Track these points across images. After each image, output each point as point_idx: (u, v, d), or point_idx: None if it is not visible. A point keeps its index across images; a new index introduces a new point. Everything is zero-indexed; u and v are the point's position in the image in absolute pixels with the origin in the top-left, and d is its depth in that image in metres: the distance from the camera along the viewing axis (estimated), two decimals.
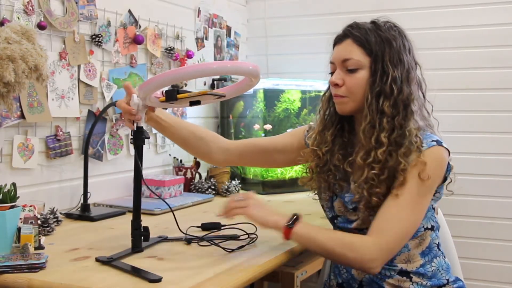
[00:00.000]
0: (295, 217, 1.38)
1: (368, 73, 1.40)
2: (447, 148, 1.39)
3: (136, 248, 1.42)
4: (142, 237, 1.43)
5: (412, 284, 1.42)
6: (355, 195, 1.40)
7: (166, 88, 1.38)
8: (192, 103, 1.39)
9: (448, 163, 1.39)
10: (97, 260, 1.33)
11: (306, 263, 1.69)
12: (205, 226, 1.65)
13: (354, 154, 1.45)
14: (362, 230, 1.42)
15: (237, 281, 1.23)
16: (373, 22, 1.45)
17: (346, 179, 1.48)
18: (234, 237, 1.53)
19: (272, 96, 2.47)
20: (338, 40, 1.46)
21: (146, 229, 1.44)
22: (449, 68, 2.54)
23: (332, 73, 1.47)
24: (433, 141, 1.37)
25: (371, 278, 1.45)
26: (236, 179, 2.48)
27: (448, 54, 2.56)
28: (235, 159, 1.71)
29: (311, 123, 1.65)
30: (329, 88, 1.51)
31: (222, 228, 1.63)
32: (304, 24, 2.91)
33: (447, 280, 1.46)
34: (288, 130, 2.18)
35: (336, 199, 1.49)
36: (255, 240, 1.52)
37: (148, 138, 1.44)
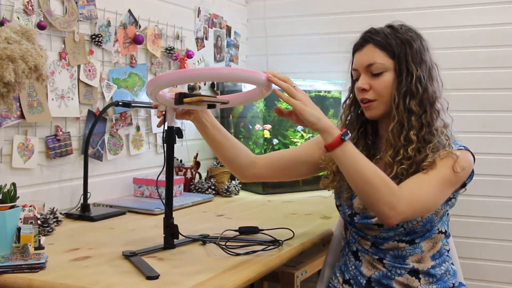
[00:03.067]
0: (347, 132, 1.33)
1: (393, 75, 1.44)
2: (473, 155, 1.44)
3: (168, 245, 1.45)
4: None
5: (420, 285, 1.45)
6: None
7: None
8: (209, 106, 1.42)
9: (472, 169, 1.45)
10: (123, 254, 1.38)
11: (306, 263, 1.69)
12: (242, 230, 1.61)
13: (382, 153, 1.49)
14: (382, 226, 1.45)
15: (237, 281, 1.23)
16: (390, 26, 1.48)
17: None
18: (263, 242, 1.51)
19: (272, 96, 2.46)
20: (359, 47, 1.48)
21: (176, 227, 1.46)
22: (449, 68, 2.54)
23: (355, 81, 1.50)
24: (461, 146, 1.43)
25: (380, 275, 1.47)
26: (236, 179, 2.48)
27: (448, 54, 2.56)
28: (263, 173, 1.65)
29: None
30: (350, 95, 1.55)
31: (260, 232, 1.61)
32: (304, 24, 2.91)
33: (453, 284, 1.50)
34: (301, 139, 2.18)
35: (355, 196, 1.51)
36: (279, 246, 1.50)
37: (181, 137, 1.47)
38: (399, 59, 1.43)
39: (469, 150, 1.43)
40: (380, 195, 1.31)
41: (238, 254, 1.40)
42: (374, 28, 1.48)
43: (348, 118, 1.55)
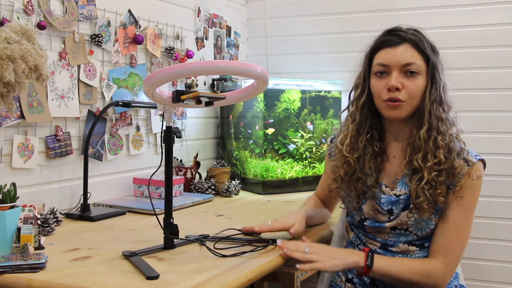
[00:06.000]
0: (371, 254, 1.42)
1: (426, 79, 1.44)
2: (485, 164, 1.47)
3: (168, 245, 1.46)
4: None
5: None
6: (418, 197, 1.42)
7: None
8: (207, 103, 1.42)
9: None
10: (123, 254, 1.38)
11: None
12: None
13: (395, 159, 1.51)
14: (395, 229, 1.48)
15: (237, 281, 1.23)
16: (414, 29, 1.48)
17: (377, 186, 1.51)
18: (255, 242, 1.52)
19: (272, 96, 2.47)
20: (393, 43, 1.45)
21: (176, 227, 1.47)
22: (449, 68, 2.54)
23: (369, 78, 1.49)
24: (476, 155, 1.45)
25: None
26: (236, 179, 2.48)
27: (448, 54, 2.55)
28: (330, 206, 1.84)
29: (331, 136, 1.71)
30: (362, 93, 1.52)
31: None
32: (304, 24, 2.91)
33: (455, 286, 1.53)
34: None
35: (365, 202, 1.52)
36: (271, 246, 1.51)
37: (180, 137, 1.47)
38: (432, 65, 1.44)
39: (482, 160, 1.46)
40: (424, 285, 1.41)
41: (224, 256, 1.39)
42: (402, 28, 1.47)
43: (362, 118, 1.52)
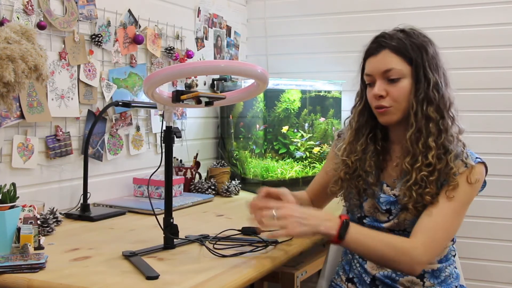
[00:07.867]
0: (345, 222, 1.34)
1: (411, 81, 1.42)
2: (486, 167, 1.44)
3: (168, 245, 1.46)
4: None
5: (424, 287, 1.46)
6: (404, 197, 1.41)
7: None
8: (207, 103, 1.42)
9: (484, 180, 1.45)
10: (123, 254, 1.38)
11: (306, 263, 1.69)
12: (245, 230, 1.61)
13: (398, 159, 1.48)
14: (393, 231, 1.46)
15: (237, 281, 1.23)
16: (401, 31, 1.46)
17: (377, 184, 1.50)
18: (257, 242, 1.51)
19: (272, 96, 2.47)
20: (374, 52, 1.45)
21: (175, 227, 1.47)
22: (449, 68, 2.54)
23: (366, 86, 1.49)
24: (477, 158, 1.42)
25: (385, 274, 1.47)
26: (236, 179, 2.48)
27: (448, 54, 2.55)
28: (317, 204, 1.73)
29: (339, 130, 1.69)
30: (360, 100, 1.53)
31: (262, 232, 1.60)
32: (304, 24, 2.91)
33: (456, 286, 1.51)
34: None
35: (366, 199, 1.51)
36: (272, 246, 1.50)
37: (180, 137, 1.47)
38: (417, 65, 1.41)
39: (483, 162, 1.43)
40: (397, 263, 1.35)
41: (224, 256, 1.39)
42: (387, 33, 1.46)
43: (358, 124, 1.53)
